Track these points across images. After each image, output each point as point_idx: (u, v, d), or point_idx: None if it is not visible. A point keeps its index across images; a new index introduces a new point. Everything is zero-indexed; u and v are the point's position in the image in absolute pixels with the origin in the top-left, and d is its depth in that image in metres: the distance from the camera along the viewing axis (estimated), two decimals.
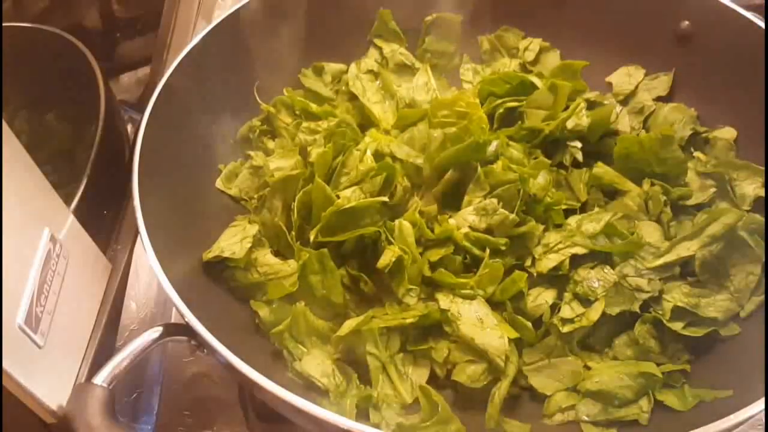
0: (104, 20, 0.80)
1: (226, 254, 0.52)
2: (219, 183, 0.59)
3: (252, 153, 0.61)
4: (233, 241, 0.53)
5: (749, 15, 0.56)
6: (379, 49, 0.67)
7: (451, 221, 0.51)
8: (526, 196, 0.52)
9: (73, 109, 0.69)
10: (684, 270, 0.51)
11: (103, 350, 0.52)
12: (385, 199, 0.51)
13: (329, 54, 0.66)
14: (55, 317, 0.46)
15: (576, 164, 0.58)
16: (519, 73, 0.62)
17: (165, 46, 0.73)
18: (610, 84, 0.64)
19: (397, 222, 0.50)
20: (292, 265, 0.51)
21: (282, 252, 0.54)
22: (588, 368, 0.49)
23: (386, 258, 0.49)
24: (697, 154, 0.58)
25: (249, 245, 0.52)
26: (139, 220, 0.47)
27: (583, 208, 0.56)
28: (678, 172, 0.56)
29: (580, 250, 0.51)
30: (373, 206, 0.51)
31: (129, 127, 0.71)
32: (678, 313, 0.49)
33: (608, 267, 0.51)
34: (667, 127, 0.59)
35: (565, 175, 0.57)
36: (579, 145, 0.58)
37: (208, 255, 0.52)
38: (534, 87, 0.59)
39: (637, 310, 0.49)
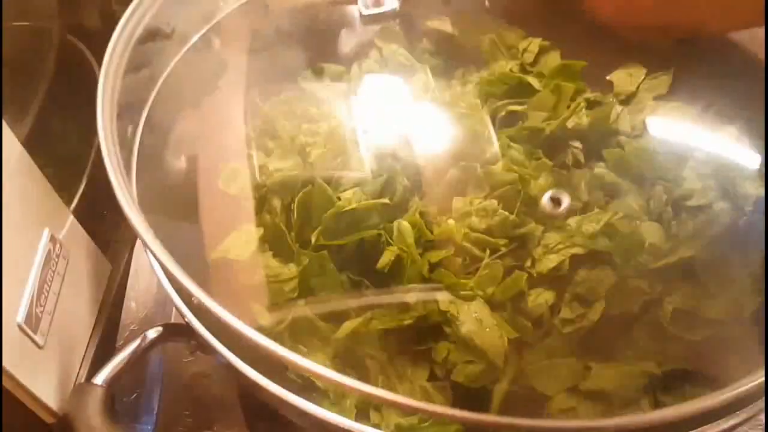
0: (104, 20, 0.80)
1: (231, 256, 0.52)
2: (219, 183, 0.59)
3: (252, 153, 0.61)
4: (238, 242, 0.53)
5: None
6: (380, 49, 0.67)
7: (451, 222, 0.51)
8: (526, 197, 0.52)
9: (73, 110, 0.69)
10: (685, 271, 0.51)
11: (103, 350, 0.52)
12: (387, 201, 0.52)
13: (329, 55, 0.66)
14: (55, 317, 0.46)
15: (577, 165, 0.58)
16: (517, 74, 0.62)
17: None
18: (611, 83, 0.64)
19: (396, 222, 0.50)
20: (292, 268, 0.51)
21: (282, 254, 0.54)
22: (588, 368, 0.49)
23: (386, 258, 0.49)
24: (697, 154, 0.58)
25: (254, 247, 0.52)
26: (138, 219, 0.46)
27: (584, 209, 0.56)
28: (672, 176, 0.56)
29: (580, 251, 0.51)
30: (375, 208, 0.51)
31: (129, 128, 0.71)
32: (678, 314, 0.49)
33: (608, 268, 0.51)
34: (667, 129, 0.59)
35: (566, 175, 0.57)
36: (580, 146, 0.58)
37: (214, 256, 0.52)
38: (532, 88, 0.59)
39: (637, 312, 0.49)
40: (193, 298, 0.42)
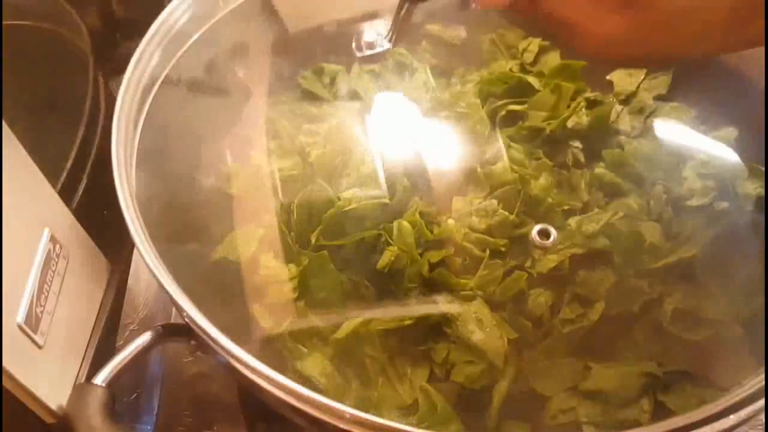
0: (104, 20, 0.80)
1: (232, 257, 0.52)
2: (219, 183, 0.59)
3: (252, 153, 0.61)
4: (239, 243, 0.53)
5: None
6: None
7: (451, 222, 0.51)
8: (526, 197, 0.52)
9: (73, 109, 0.69)
10: (685, 271, 0.51)
11: (103, 350, 0.52)
12: (387, 201, 0.52)
13: (328, 55, 0.66)
14: (55, 317, 0.46)
15: (577, 164, 0.58)
16: (517, 73, 0.62)
17: None
18: (611, 83, 0.64)
19: (395, 222, 0.50)
20: (292, 268, 0.51)
21: (282, 254, 0.54)
22: (588, 368, 0.49)
23: (386, 258, 0.49)
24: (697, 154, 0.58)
25: (254, 248, 0.52)
26: (134, 221, 0.46)
27: (584, 209, 0.56)
28: (672, 176, 0.56)
29: (580, 251, 0.51)
30: (375, 208, 0.51)
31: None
32: (678, 314, 0.49)
33: (608, 268, 0.51)
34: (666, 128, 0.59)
35: (566, 175, 0.57)
36: (580, 146, 0.58)
37: (215, 256, 0.52)
38: (532, 87, 0.59)
39: (637, 312, 0.49)
40: (184, 314, 0.42)
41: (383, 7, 0.59)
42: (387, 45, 0.53)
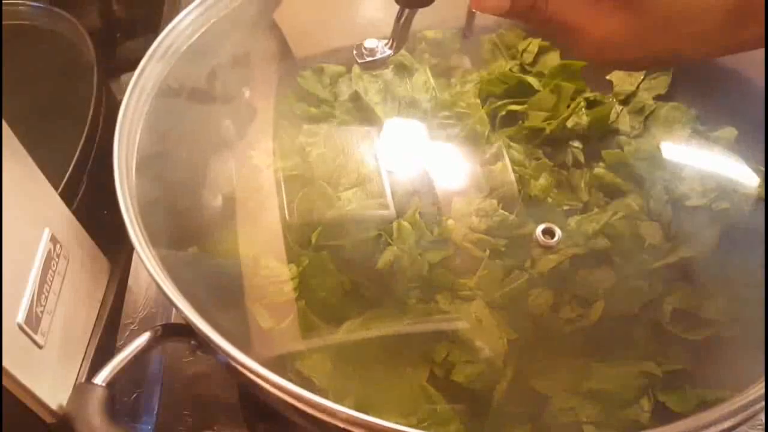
0: (104, 20, 0.80)
1: (232, 257, 0.52)
2: (218, 183, 0.59)
3: (252, 153, 0.61)
4: (239, 243, 0.53)
5: None
6: None
7: (451, 222, 0.51)
8: (526, 197, 0.52)
9: (73, 109, 0.69)
10: (685, 271, 0.51)
11: (103, 350, 0.52)
12: (387, 201, 0.52)
13: (328, 56, 0.66)
14: (55, 317, 0.46)
15: (577, 164, 0.58)
16: (516, 73, 0.62)
17: None
18: (610, 83, 0.64)
19: (395, 223, 0.51)
20: (292, 268, 0.51)
21: (282, 254, 0.54)
22: (588, 368, 0.49)
23: (385, 258, 0.49)
24: (697, 154, 0.58)
25: (255, 248, 0.52)
26: (134, 223, 0.46)
27: (584, 209, 0.56)
28: (672, 176, 0.56)
29: (580, 251, 0.51)
30: (374, 208, 0.51)
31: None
32: (678, 315, 0.49)
33: (608, 268, 0.51)
34: (666, 128, 0.59)
35: (566, 175, 0.57)
36: (580, 146, 0.58)
37: (214, 257, 0.52)
38: (532, 88, 0.59)
39: (637, 312, 0.49)
40: (183, 315, 0.42)
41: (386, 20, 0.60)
42: (388, 52, 0.53)
